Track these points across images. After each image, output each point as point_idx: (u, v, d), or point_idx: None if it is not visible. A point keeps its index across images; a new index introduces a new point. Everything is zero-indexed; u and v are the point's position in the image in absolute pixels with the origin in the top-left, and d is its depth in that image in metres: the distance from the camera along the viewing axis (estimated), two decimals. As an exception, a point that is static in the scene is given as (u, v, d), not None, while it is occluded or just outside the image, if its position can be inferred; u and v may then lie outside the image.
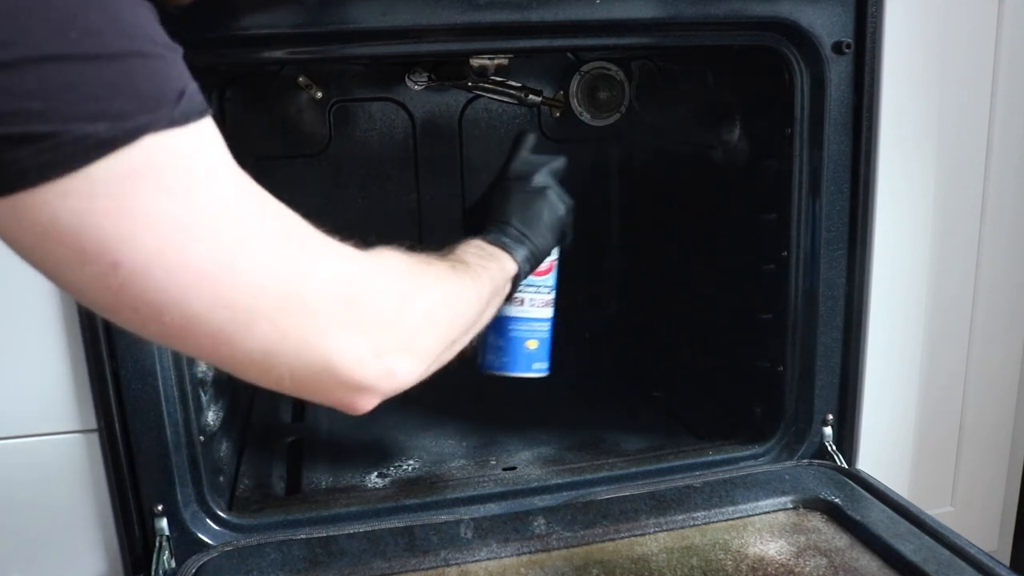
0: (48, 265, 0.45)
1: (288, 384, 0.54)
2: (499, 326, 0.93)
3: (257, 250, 0.49)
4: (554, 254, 0.95)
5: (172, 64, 0.46)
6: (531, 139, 0.97)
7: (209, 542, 0.87)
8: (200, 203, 0.46)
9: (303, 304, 0.51)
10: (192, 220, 0.46)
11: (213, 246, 0.47)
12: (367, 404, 0.58)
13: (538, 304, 0.95)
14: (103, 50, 0.43)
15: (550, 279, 0.96)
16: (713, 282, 1.24)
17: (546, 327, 0.97)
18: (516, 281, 0.86)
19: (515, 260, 0.85)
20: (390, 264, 0.63)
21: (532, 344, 0.95)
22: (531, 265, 0.87)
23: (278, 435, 1.18)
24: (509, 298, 0.88)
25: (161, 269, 0.45)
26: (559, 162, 0.96)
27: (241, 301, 0.48)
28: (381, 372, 0.57)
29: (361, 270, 0.58)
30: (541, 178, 0.93)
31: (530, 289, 0.94)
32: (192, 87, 0.47)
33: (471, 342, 0.77)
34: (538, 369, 0.97)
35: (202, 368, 0.96)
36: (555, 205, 0.92)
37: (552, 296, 0.97)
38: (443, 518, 0.90)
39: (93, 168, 0.42)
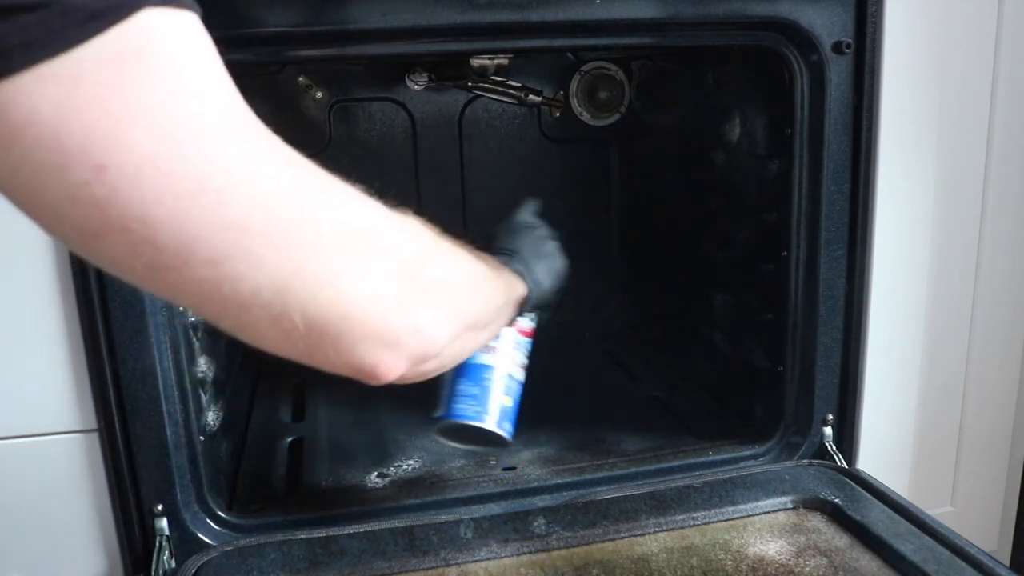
0: (22, 179, 0.38)
1: (301, 339, 0.46)
2: (473, 374, 0.88)
3: (264, 164, 0.43)
4: (532, 322, 0.92)
5: None
6: (534, 203, 0.97)
7: (209, 542, 0.87)
8: (201, 101, 0.40)
9: (319, 235, 0.45)
10: (192, 118, 0.39)
11: (214, 152, 0.40)
12: (391, 366, 0.51)
13: (516, 363, 0.90)
14: None
15: (528, 344, 0.92)
16: (713, 282, 1.24)
17: (519, 390, 0.91)
18: (522, 307, 0.83)
19: (526, 284, 0.82)
20: (411, 221, 0.57)
21: (507, 400, 0.89)
22: (536, 298, 0.84)
23: (278, 435, 1.18)
24: (491, 346, 0.86)
25: (155, 174, 0.38)
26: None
27: (248, 221, 0.41)
28: (407, 325, 0.50)
29: (379, 214, 0.52)
30: (548, 230, 0.92)
31: (511, 344, 0.89)
32: None
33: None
34: (506, 430, 0.89)
35: (202, 368, 0.96)
36: (560, 255, 0.90)
37: (526, 362, 0.92)
38: (443, 518, 0.90)
39: (81, 49, 0.36)
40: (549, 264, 0.88)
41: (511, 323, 0.86)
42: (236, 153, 0.41)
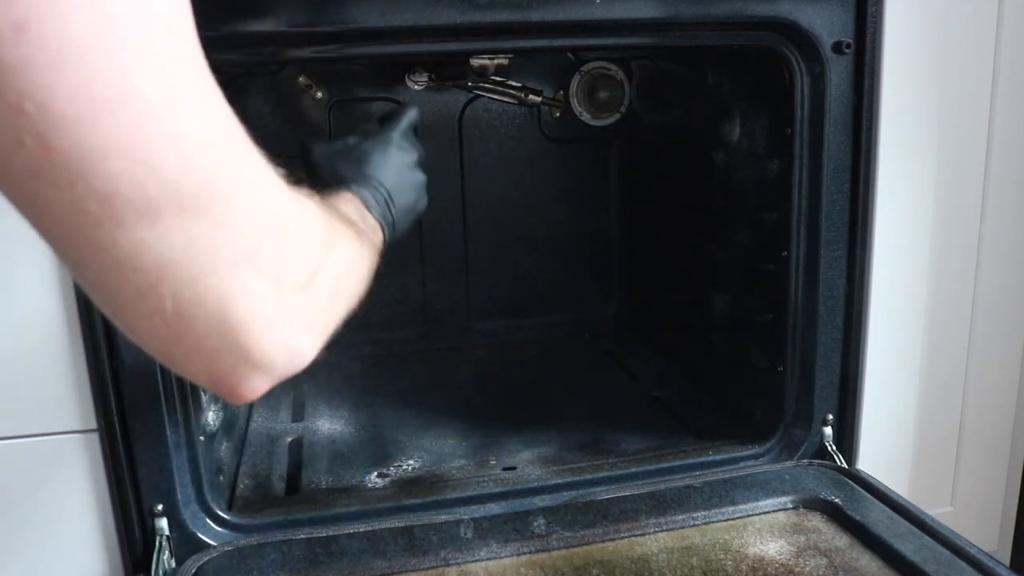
0: None
1: (162, 326, 0.40)
2: None
3: (198, 108, 0.38)
4: None
5: None
6: (415, 115, 0.89)
7: (209, 542, 0.87)
8: (152, 19, 0.35)
9: (228, 212, 0.38)
10: (140, 31, 0.34)
11: (150, 68, 0.35)
12: (254, 388, 0.44)
13: None
14: None
15: None
16: (713, 282, 1.24)
17: None
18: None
19: (383, 235, 0.76)
20: (312, 215, 0.48)
21: None
22: (388, 245, 0.77)
23: (278, 435, 1.18)
24: None
25: (79, 65, 0.32)
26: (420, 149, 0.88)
27: (162, 161, 0.35)
28: (285, 345, 0.43)
29: (290, 203, 0.44)
30: (419, 156, 0.86)
31: None
32: None
33: None
34: None
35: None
36: (425, 193, 0.85)
37: None
38: (443, 518, 0.90)
39: None
40: (412, 205, 0.81)
41: None
42: (173, 82, 0.36)
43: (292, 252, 0.44)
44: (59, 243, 0.38)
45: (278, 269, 0.42)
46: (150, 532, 0.85)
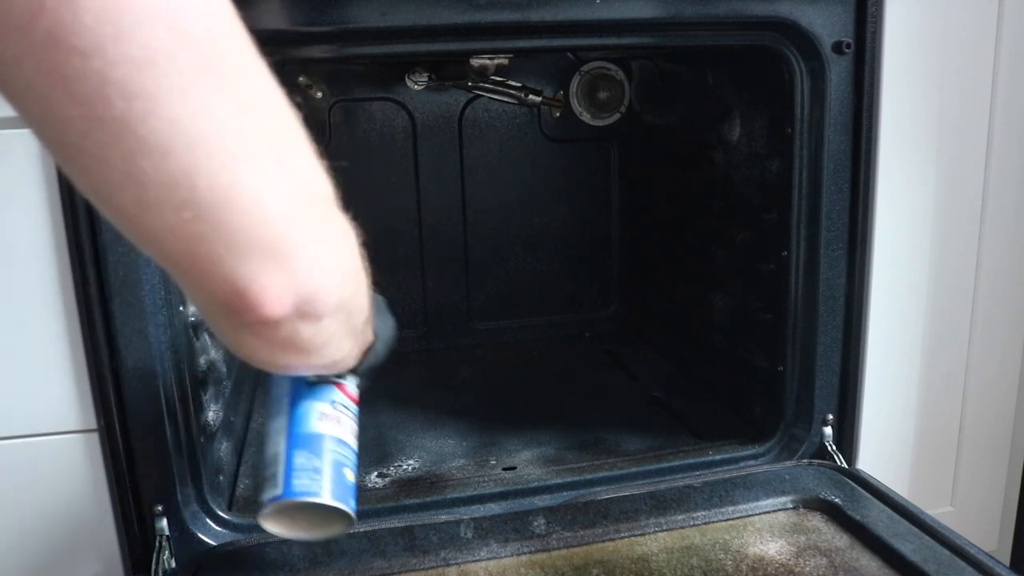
0: None
1: (190, 228, 0.37)
2: (311, 444, 0.68)
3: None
4: (356, 388, 0.74)
5: None
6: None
7: (209, 542, 0.87)
8: None
9: (256, 99, 0.40)
10: None
11: None
12: (276, 295, 0.40)
13: (351, 432, 0.71)
14: None
15: (358, 409, 0.73)
16: (713, 282, 1.24)
17: (356, 460, 0.71)
18: (363, 357, 0.65)
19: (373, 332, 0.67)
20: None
21: (350, 476, 0.70)
22: (374, 354, 0.68)
23: (278, 435, 1.17)
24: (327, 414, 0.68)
25: None
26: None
27: (187, 22, 0.35)
28: (307, 251, 0.41)
29: (304, 132, 0.44)
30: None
31: (346, 411, 0.71)
32: None
33: None
34: (353, 508, 0.69)
35: (202, 368, 0.96)
36: (392, 320, 0.74)
37: (358, 431, 0.74)
38: (443, 518, 0.90)
39: None
40: (388, 326, 0.71)
41: (348, 374, 0.70)
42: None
43: (313, 164, 0.43)
44: (79, 133, 0.35)
45: (303, 172, 0.41)
46: (150, 532, 0.85)
